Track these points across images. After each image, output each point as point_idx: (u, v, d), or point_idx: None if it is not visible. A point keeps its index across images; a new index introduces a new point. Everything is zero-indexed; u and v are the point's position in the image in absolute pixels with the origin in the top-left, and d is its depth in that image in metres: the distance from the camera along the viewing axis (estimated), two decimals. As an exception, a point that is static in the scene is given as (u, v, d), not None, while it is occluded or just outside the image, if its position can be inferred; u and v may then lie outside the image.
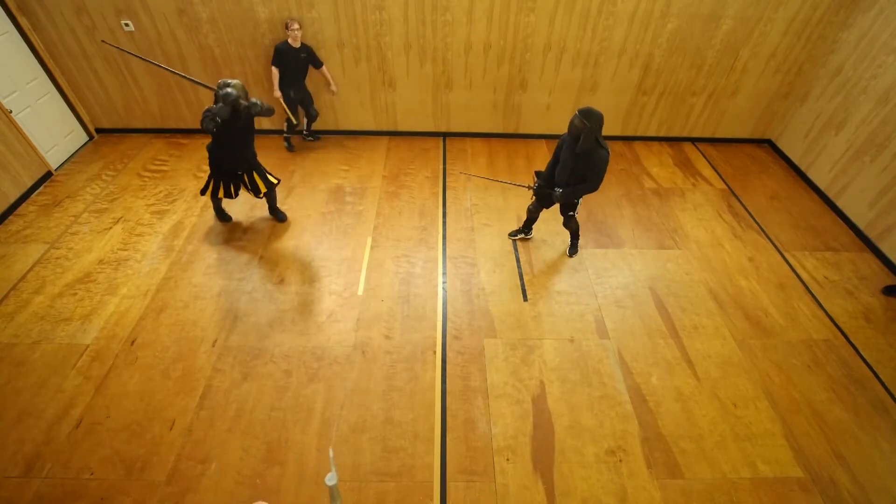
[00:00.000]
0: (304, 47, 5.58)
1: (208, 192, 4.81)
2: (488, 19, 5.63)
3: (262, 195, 4.90)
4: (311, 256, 4.85)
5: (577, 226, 4.74)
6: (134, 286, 4.46)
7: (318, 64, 5.77)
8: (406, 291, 4.54)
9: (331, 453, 2.14)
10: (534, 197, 4.55)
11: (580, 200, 4.45)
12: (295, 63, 5.60)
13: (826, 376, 3.98)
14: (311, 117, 6.21)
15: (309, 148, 6.47)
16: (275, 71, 5.64)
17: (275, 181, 4.94)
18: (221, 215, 5.19)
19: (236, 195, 4.85)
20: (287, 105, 5.89)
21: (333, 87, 6.03)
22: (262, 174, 4.83)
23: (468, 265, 4.84)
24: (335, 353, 3.97)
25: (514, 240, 5.08)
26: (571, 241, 4.92)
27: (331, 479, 2.07)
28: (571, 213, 4.51)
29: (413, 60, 5.98)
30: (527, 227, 5.01)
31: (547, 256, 4.97)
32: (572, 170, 4.04)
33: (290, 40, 5.45)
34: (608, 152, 3.87)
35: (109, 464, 3.24)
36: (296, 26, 5.33)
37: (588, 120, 3.70)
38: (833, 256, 5.12)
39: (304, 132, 6.52)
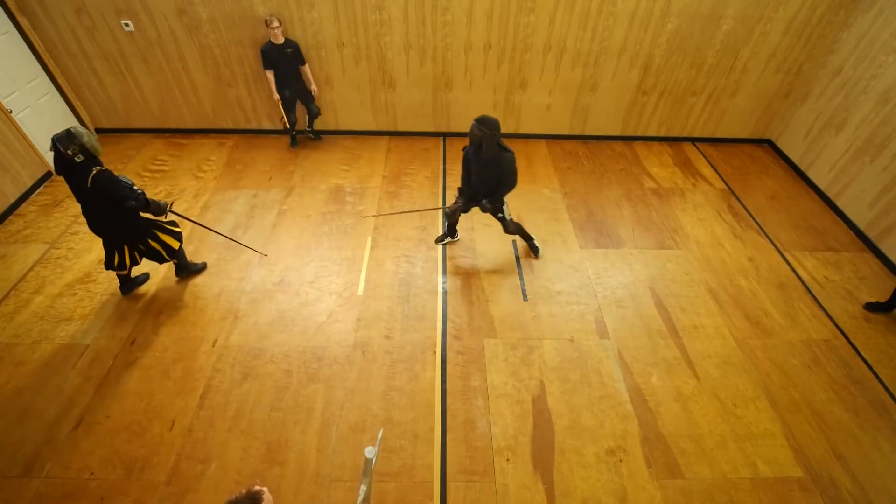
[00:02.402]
0: (289, 42, 5.53)
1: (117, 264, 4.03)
2: (488, 19, 5.63)
3: (167, 260, 4.22)
4: (311, 256, 4.85)
5: (518, 225, 4.66)
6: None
7: (302, 61, 5.74)
8: (406, 291, 4.54)
9: (380, 433, 2.10)
10: (457, 202, 4.46)
11: (506, 203, 4.46)
12: (283, 61, 5.58)
13: (826, 376, 3.98)
14: (313, 114, 6.20)
15: (309, 148, 6.47)
16: (269, 74, 5.66)
17: (176, 244, 4.14)
18: (125, 288, 4.33)
19: (139, 261, 4.13)
20: (283, 107, 5.94)
21: (313, 87, 5.99)
22: (156, 238, 4.02)
23: (468, 265, 4.84)
24: (335, 353, 3.97)
25: (443, 244, 5.00)
26: (527, 242, 4.90)
27: (370, 451, 2.04)
28: (501, 214, 4.45)
29: (413, 60, 5.98)
30: (451, 231, 4.96)
31: (547, 256, 4.97)
32: (487, 177, 4.08)
33: (271, 38, 5.42)
34: (513, 153, 3.97)
35: (109, 464, 3.24)
36: (276, 23, 5.28)
37: (486, 127, 3.76)
38: (833, 256, 5.12)
39: (308, 130, 6.51)
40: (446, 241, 5.03)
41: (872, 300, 4.60)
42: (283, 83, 5.77)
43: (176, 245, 4.15)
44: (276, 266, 4.73)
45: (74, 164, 3.37)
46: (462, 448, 3.41)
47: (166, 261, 4.22)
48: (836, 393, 3.86)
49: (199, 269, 4.62)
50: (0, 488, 3.10)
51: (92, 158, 3.43)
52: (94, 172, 3.40)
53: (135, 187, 3.64)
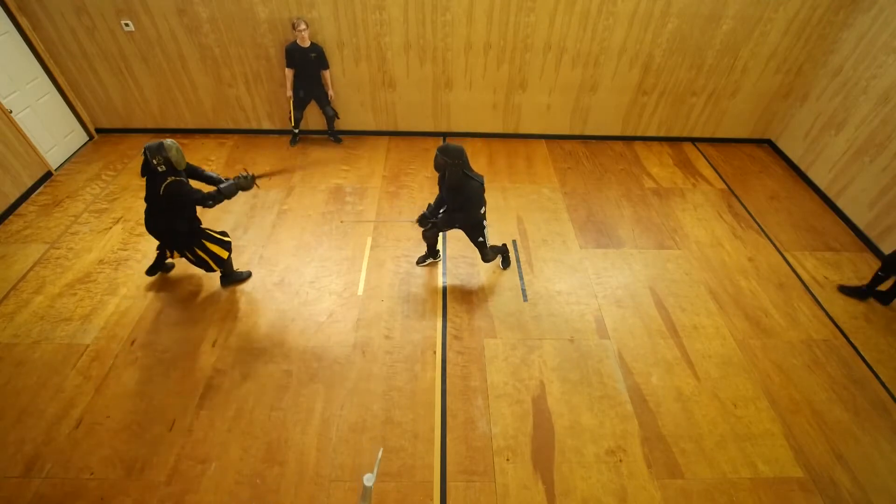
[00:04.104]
0: (315, 47, 5.60)
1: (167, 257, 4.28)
2: (488, 19, 5.63)
3: (214, 270, 4.27)
4: (311, 256, 4.85)
5: (496, 253, 4.51)
6: (134, 286, 4.46)
7: (325, 65, 5.79)
8: (406, 291, 4.54)
9: (379, 454, 2.08)
10: (421, 227, 4.31)
11: (486, 228, 4.24)
12: (305, 63, 5.63)
13: (826, 376, 3.98)
14: (329, 117, 6.22)
15: (309, 147, 6.47)
16: (289, 73, 5.70)
17: (225, 253, 4.20)
18: (153, 269, 4.48)
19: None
20: (294, 105, 5.96)
21: (331, 92, 6.05)
22: (204, 248, 4.08)
23: (468, 265, 4.84)
24: (335, 353, 3.97)
25: (424, 265, 4.80)
26: (502, 257, 4.75)
27: (368, 479, 2.03)
28: (481, 239, 4.26)
29: (413, 60, 5.98)
30: (432, 252, 4.73)
31: (547, 256, 4.97)
32: (453, 202, 3.97)
33: (298, 40, 5.46)
34: (480, 182, 3.82)
35: (109, 464, 3.24)
36: (302, 26, 5.34)
37: (447, 156, 3.66)
38: (833, 256, 5.12)
39: (328, 133, 6.53)
40: (427, 261, 4.82)
41: (872, 298, 4.61)
42: (301, 84, 5.82)
43: (224, 255, 4.20)
44: (276, 266, 4.73)
45: (156, 171, 3.61)
46: (462, 448, 3.41)
47: (213, 270, 4.27)
48: (836, 393, 3.86)
49: (244, 277, 4.56)
50: (0, 488, 3.10)
51: (173, 170, 3.66)
52: (169, 181, 3.61)
53: (204, 193, 3.82)
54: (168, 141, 3.60)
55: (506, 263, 4.80)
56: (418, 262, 4.83)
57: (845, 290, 4.68)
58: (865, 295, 4.60)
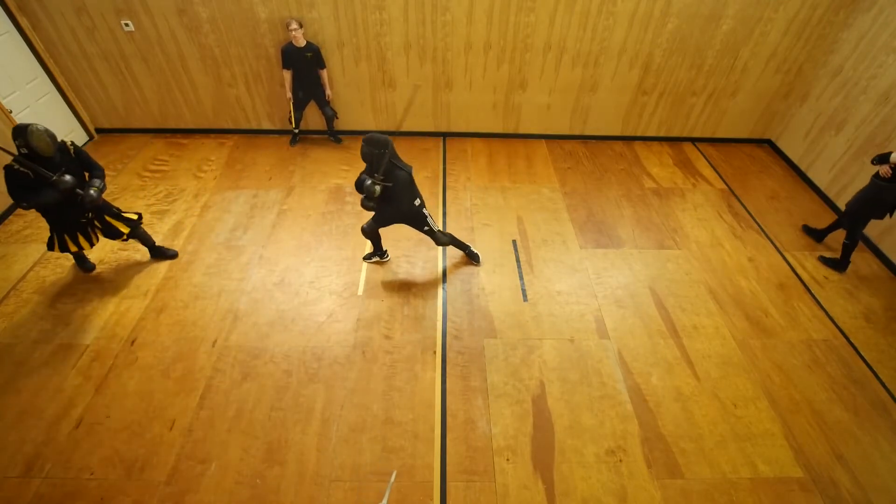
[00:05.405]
0: (310, 46, 5.59)
1: (56, 248, 4.04)
2: (488, 19, 5.63)
3: (125, 237, 4.26)
4: (311, 256, 4.85)
5: (450, 236, 4.56)
6: (134, 286, 4.46)
7: (322, 65, 5.79)
8: (406, 291, 4.54)
9: (392, 478, 2.04)
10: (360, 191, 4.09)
11: (429, 214, 4.26)
12: (301, 63, 5.62)
13: (826, 376, 3.98)
14: (329, 117, 6.22)
15: (309, 147, 6.47)
16: (286, 74, 5.70)
17: (135, 217, 4.29)
18: (83, 264, 4.50)
19: (96, 241, 4.17)
20: (293, 106, 5.97)
21: (328, 91, 6.05)
22: (116, 215, 4.17)
23: (468, 265, 4.84)
24: (335, 353, 3.97)
25: (371, 262, 4.80)
26: (463, 251, 4.77)
27: None
28: (426, 227, 4.28)
29: (413, 60, 5.98)
30: (379, 251, 4.74)
31: (547, 256, 4.97)
32: (381, 194, 3.87)
33: (293, 41, 5.46)
34: (408, 173, 3.82)
35: (109, 464, 3.24)
36: (294, 26, 5.33)
37: (372, 145, 3.64)
38: (833, 256, 5.12)
39: (328, 133, 6.53)
40: (374, 259, 4.80)
41: (872, 298, 4.60)
42: (300, 84, 5.82)
43: (124, 230, 4.24)
44: (276, 266, 4.73)
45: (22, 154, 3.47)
46: (462, 448, 3.41)
47: (124, 239, 4.29)
48: (836, 393, 3.86)
49: (172, 254, 4.74)
50: (0, 488, 3.10)
51: (39, 157, 3.47)
52: (5, 165, 3.48)
53: (35, 195, 3.56)
54: (38, 126, 3.38)
55: (474, 258, 4.82)
56: (365, 259, 4.82)
57: (825, 261, 5.04)
58: (844, 266, 4.91)
